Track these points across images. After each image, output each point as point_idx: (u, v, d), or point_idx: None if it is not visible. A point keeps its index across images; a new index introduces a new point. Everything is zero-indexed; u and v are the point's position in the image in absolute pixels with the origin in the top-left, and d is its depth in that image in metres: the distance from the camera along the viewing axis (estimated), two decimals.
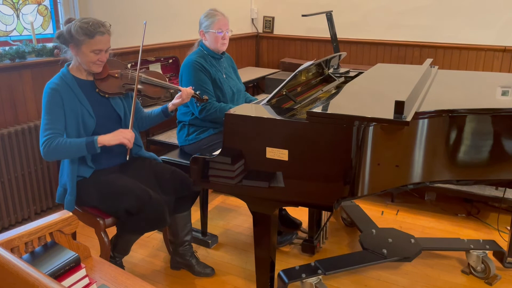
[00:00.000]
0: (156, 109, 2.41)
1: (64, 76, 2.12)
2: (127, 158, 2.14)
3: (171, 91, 2.37)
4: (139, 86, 2.24)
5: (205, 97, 2.41)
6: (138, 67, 2.23)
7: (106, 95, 2.17)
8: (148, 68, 3.66)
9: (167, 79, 2.39)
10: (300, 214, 3.01)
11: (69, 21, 2.11)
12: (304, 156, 1.76)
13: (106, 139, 2.05)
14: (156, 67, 3.78)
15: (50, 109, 2.03)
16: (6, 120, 2.85)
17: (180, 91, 2.32)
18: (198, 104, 2.51)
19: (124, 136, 2.08)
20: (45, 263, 1.46)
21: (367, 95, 2.11)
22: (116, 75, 2.22)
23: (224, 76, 2.71)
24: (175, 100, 2.34)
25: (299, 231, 2.88)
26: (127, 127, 2.23)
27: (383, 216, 3.14)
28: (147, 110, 2.45)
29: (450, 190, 3.01)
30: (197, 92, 2.38)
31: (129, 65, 2.39)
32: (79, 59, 2.11)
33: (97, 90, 2.16)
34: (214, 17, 2.64)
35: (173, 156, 2.69)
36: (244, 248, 2.73)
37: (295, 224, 2.91)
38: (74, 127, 2.07)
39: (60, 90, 2.06)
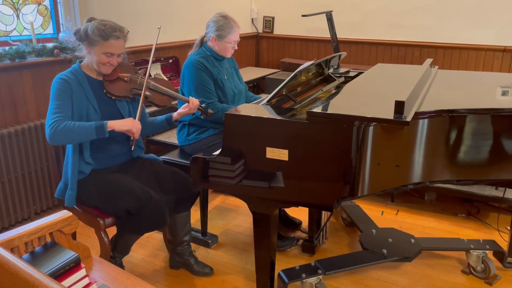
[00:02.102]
0: (160, 116, 2.42)
1: (75, 71, 2.14)
2: (132, 148, 2.17)
3: (175, 102, 2.37)
4: (146, 93, 2.25)
5: (210, 111, 2.40)
6: (147, 73, 2.23)
7: (113, 97, 2.18)
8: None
9: (174, 88, 2.39)
10: (300, 214, 3.01)
11: (90, 20, 2.13)
12: (304, 156, 1.76)
13: (116, 124, 2.07)
14: (156, 67, 3.78)
15: (59, 96, 2.05)
16: (6, 120, 2.85)
17: (187, 101, 2.33)
18: (202, 117, 2.50)
19: (134, 125, 2.10)
20: (45, 263, 1.45)
21: (367, 95, 2.11)
22: (126, 78, 2.22)
23: (226, 77, 2.71)
24: (182, 110, 2.34)
25: (299, 231, 2.89)
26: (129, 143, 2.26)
27: (383, 216, 3.14)
28: (148, 111, 2.46)
29: (450, 190, 3.01)
30: (202, 105, 2.38)
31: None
32: (91, 57, 2.13)
33: (104, 91, 2.17)
34: (230, 29, 2.63)
35: (173, 156, 2.69)
36: (244, 248, 2.73)
37: (295, 224, 2.92)
38: (78, 121, 2.08)
39: (70, 82, 2.08)
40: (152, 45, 2.31)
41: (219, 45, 2.65)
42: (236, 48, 2.72)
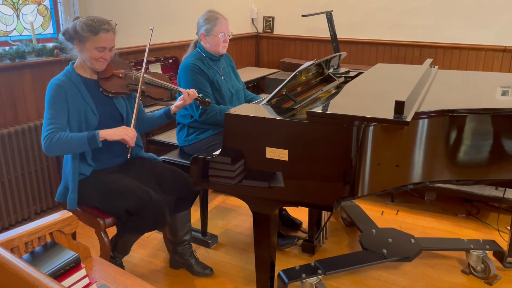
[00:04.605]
0: (158, 111, 2.41)
1: (69, 74, 2.13)
2: (128, 157, 2.14)
3: (175, 94, 2.37)
4: (142, 87, 2.24)
5: (208, 100, 2.40)
6: (143, 69, 2.23)
7: (110, 95, 2.18)
8: (148, 68, 3.66)
9: (170, 80, 2.39)
10: (300, 214, 3.01)
11: (76, 18, 2.12)
12: (304, 156, 1.76)
13: (108, 134, 2.05)
14: (156, 67, 3.78)
15: (53, 103, 2.04)
16: (6, 120, 2.85)
17: (183, 93, 2.32)
18: (201, 107, 2.50)
19: (126, 133, 2.07)
20: (45, 263, 1.45)
21: (367, 95, 2.11)
22: (120, 75, 2.22)
23: (223, 77, 2.70)
24: (178, 102, 2.34)
25: (299, 231, 2.89)
26: (128, 126, 2.24)
27: (383, 216, 3.14)
28: (148, 111, 2.46)
29: (450, 190, 3.01)
30: (200, 95, 2.38)
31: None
32: (83, 55, 2.12)
33: (100, 89, 2.17)
34: (215, 20, 2.61)
35: (173, 156, 2.69)
36: (244, 248, 2.73)
37: (295, 224, 2.92)
38: (76, 124, 2.08)
39: (65, 86, 2.07)
40: (152, 43, 2.30)
41: (209, 40, 2.63)
42: (228, 41, 2.68)
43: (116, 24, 2.14)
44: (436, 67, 2.74)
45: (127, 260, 2.52)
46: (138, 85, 2.19)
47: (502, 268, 2.49)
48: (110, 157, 2.23)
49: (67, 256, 1.49)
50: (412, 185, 1.94)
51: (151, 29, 2.28)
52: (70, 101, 2.07)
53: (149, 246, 2.73)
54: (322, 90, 2.42)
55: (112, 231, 2.19)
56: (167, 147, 3.28)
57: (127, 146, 2.11)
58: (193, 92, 2.32)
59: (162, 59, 3.87)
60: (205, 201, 2.75)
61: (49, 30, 3.25)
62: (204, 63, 2.63)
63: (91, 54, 2.09)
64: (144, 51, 3.63)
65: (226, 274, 2.47)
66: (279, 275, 2.16)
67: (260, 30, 5.33)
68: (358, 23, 4.70)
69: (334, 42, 3.20)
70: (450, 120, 1.88)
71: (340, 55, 2.75)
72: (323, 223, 2.71)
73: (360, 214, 2.83)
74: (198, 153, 2.06)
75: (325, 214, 2.74)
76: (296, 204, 1.93)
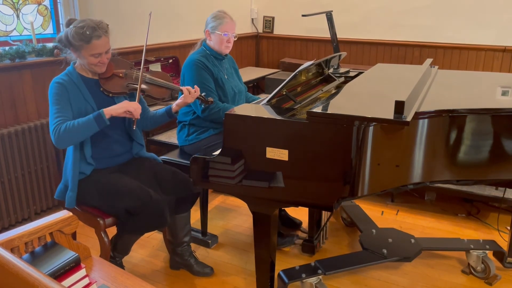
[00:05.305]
0: (160, 109, 2.41)
1: (70, 74, 2.14)
2: (134, 128, 2.14)
3: (176, 94, 2.36)
4: (143, 86, 2.24)
5: (210, 99, 2.40)
6: (142, 63, 2.23)
7: (110, 94, 2.18)
8: (148, 68, 3.66)
9: (171, 80, 2.39)
10: (300, 214, 3.01)
11: (69, 23, 2.12)
12: (304, 156, 1.76)
13: (113, 109, 2.05)
14: (156, 67, 3.78)
15: (57, 100, 2.05)
16: (6, 120, 2.85)
17: (182, 90, 2.32)
18: (203, 106, 2.50)
19: (130, 105, 2.08)
20: (45, 263, 1.46)
21: (367, 95, 2.11)
22: (121, 74, 2.22)
23: (226, 76, 2.71)
24: (179, 101, 2.33)
25: (299, 231, 2.89)
26: (130, 126, 2.26)
27: (383, 216, 3.14)
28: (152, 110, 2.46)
29: (450, 190, 3.01)
30: (202, 94, 2.37)
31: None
32: (81, 61, 2.13)
33: (101, 89, 2.17)
34: (222, 19, 2.64)
35: (173, 156, 2.69)
36: (244, 248, 2.73)
37: (295, 224, 2.92)
38: None
39: (66, 85, 2.08)
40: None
41: (213, 38, 2.65)
42: (231, 42, 2.69)
43: (108, 25, 2.14)
44: (436, 67, 2.74)
45: (127, 260, 2.52)
46: (138, 84, 2.19)
47: (502, 268, 2.49)
48: (110, 157, 2.23)
49: (67, 256, 1.49)
50: (412, 185, 1.93)
51: (149, 14, 2.28)
52: (71, 99, 2.08)
53: (149, 246, 2.73)
54: (322, 90, 2.42)
55: (112, 231, 2.19)
56: (167, 147, 3.28)
57: (133, 119, 2.11)
58: (194, 90, 2.31)
59: (162, 59, 3.87)
60: (205, 201, 2.75)
61: (49, 30, 3.25)
62: (209, 61, 2.64)
63: (88, 61, 2.10)
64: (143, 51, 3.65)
65: (226, 274, 2.47)
66: (279, 275, 2.16)
67: (260, 30, 5.33)
68: (358, 23, 4.70)
69: (334, 42, 3.20)
70: (450, 120, 1.88)
71: (340, 55, 2.75)
72: (323, 223, 2.71)
73: (360, 214, 2.83)
74: (198, 153, 2.06)
75: (325, 214, 2.74)
76: (296, 204, 1.93)
